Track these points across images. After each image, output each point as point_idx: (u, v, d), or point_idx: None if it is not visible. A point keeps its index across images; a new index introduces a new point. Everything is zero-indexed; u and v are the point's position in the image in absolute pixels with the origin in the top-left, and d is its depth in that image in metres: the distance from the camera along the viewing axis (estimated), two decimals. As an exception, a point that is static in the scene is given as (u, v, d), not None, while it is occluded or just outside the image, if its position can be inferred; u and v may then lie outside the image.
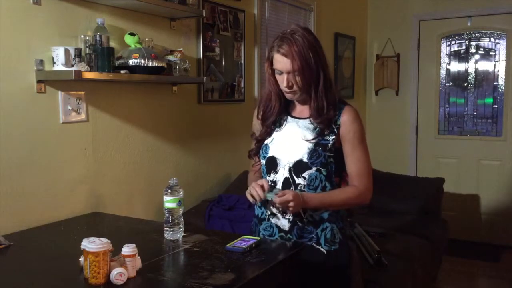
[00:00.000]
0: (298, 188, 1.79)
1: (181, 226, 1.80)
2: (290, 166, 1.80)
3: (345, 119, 1.78)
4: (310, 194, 1.77)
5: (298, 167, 1.79)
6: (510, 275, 4.10)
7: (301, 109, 1.86)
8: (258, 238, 1.75)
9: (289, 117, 1.86)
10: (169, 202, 1.75)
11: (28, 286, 1.45)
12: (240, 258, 1.60)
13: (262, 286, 1.53)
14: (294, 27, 1.75)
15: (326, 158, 1.77)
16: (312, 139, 1.77)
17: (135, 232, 1.98)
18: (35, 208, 2.05)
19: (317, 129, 1.78)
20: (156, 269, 1.52)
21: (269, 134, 1.87)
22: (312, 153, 1.76)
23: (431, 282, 3.72)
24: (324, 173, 1.78)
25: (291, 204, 1.69)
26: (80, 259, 1.47)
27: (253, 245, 1.67)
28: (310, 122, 1.80)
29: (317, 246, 1.80)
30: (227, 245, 1.66)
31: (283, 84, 1.76)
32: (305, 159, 1.77)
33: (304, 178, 1.78)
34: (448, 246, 4.01)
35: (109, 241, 1.40)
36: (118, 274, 1.38)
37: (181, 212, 1.79)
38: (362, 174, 1.80)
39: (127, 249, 1.43)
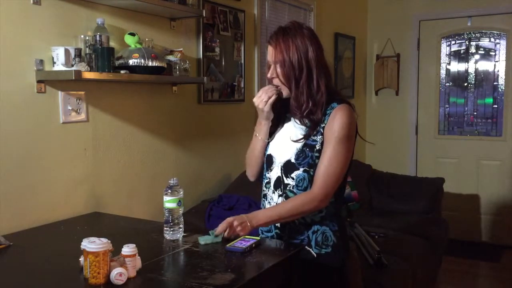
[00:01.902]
0: (287, 188, 1.79)
1: (181, 226, 1.80)
2: (281, 166, 1.80)
3: (330, 116, 1.72)
4: (255, 212, 1.78)
5: (287, 168, 1.79)
6: (510, 275, 4.10)
7: None
8: (258, 238, 1.75)
9: (289, 117, 1.87)
10: (169, 202, 1.75)
11: (28, 286, 1.46)
12: (240, 258, 1.60)
13: (262, 286, 1.53)
14: (292, 21, 1.78)
15: (314, 159, 1.74)
16: (300, 140, 1.75)
17: (135, 232, 1.98)
18: (35, 208, 2.05)
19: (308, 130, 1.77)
20: (156, 269, 1.52)
21: (273, 132, 1.88)
22: (299, 153, 1.75)
23: (431, 282, 3.72)
24: (312, 174, 1.75)
25: (235, 223, 1.70)
26: (80, 259, 1.47)
27: (253, 245, 1.67)
28: (302, 123, 1.79)
29: (308, 248, 1.78)
30: (227, 245, 1.66)
31: (268, 75, 1.78)
32: (292, 160, 1.77)
33: (293, 178, 1.77)
34: (448, 246, 4.02)
35: (109, 241, 1.40)
36: (118, 274, 1.37)
37: (181, 212, 1.79)
38: (324, 177, 1.70)
39: (127, 249, 1.43)
